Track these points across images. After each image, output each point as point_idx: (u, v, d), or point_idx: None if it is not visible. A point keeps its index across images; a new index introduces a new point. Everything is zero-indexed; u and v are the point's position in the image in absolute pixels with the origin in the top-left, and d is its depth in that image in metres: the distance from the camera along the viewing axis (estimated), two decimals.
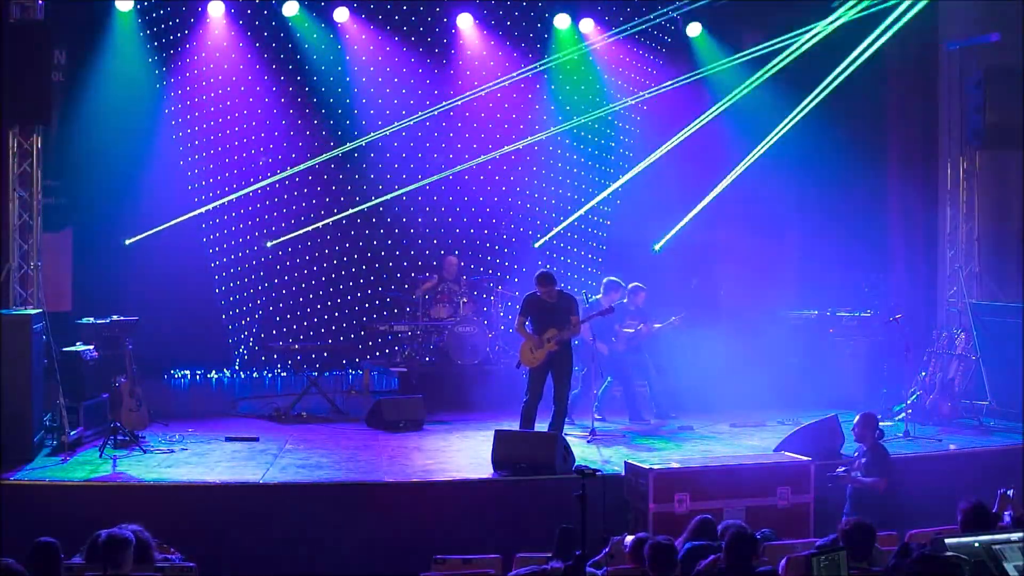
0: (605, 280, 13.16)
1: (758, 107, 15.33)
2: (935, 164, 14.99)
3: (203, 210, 15.01)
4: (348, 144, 15.43)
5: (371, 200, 15.93)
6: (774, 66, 14.37)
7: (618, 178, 16.66)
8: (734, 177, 14.93)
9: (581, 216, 16.46)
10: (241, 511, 9.52)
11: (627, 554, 7.12)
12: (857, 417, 9.90)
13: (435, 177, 15.57)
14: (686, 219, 15.14)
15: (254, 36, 15.35)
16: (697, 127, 14.95)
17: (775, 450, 10.60)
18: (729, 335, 13.52)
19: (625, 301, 13.05)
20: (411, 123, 15.54)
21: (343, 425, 12.62)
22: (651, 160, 15.23)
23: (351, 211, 15.75)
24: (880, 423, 9.90)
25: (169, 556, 7.28)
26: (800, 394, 13.39)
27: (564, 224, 16.08)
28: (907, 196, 15.43)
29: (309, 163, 15.47)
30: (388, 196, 15.64)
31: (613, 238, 16.43)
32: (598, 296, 12.90)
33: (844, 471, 9.60)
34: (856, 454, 9.91)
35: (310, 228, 15.66)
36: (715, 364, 13.24)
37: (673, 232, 15.20)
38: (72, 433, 10.86)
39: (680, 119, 15.95)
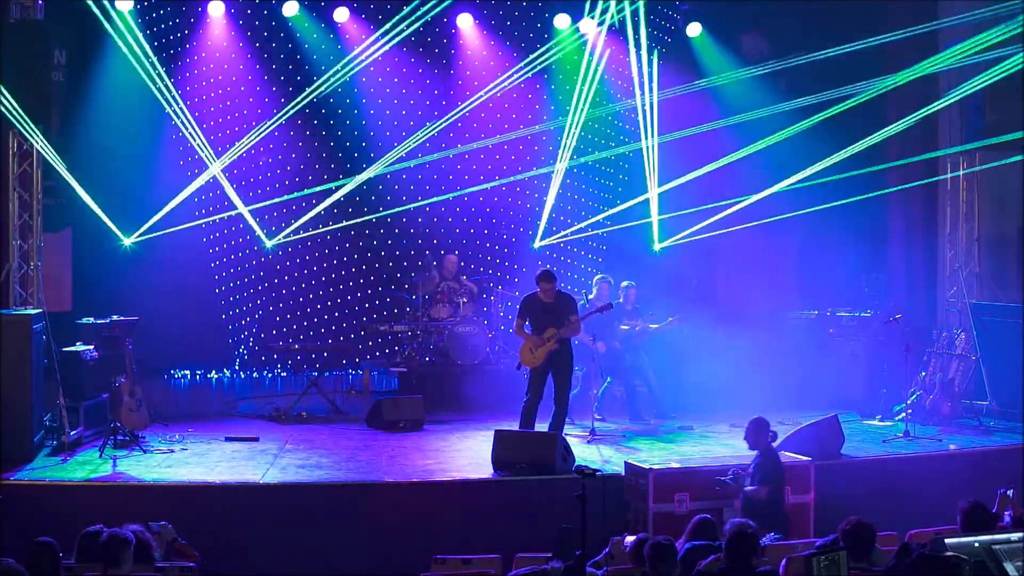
0: (596, 278, 13.28)
1: (758, 106, 15.35)
2: (935, 164, 14.99)
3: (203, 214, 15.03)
4: (347, 141, 15.46)
5: (371, 200, 15.95)
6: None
7: (619, 178, 16.68)
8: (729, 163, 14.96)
9: (581, 216, 16.47)
10: (241, 511, 9.53)
11: (627, 554, 7.12)
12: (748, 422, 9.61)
13: (429, 156, 15.56)
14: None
15: (254, 36, 15.34)
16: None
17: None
18: (729, 335, 13.52)
19: (621, 300, 13.11)
20: (412, 124, 15.56)
21: (343, 425, 12.62)
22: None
23: (351, 210, 15.77)
24: (771, 427, 9.48)
25: (185, 564, 7.24)
26: (800, 394, 13.39)
27: (567, 232, 16.11)
28: (907, 196, 15.43)
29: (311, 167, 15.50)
30: (383, 182, 15.64)
31: (613, 238, 16.43)
32: (593, 295, 12.94)
33: (732, 476, 9.28)
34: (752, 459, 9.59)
35: (311, 228, 15.66)
36: (715, 364, 13.23)
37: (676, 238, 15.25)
38: (72, 433, 10.86)
39: (680, 118, 15.98)
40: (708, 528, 7.25)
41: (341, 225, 15.91)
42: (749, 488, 9.18)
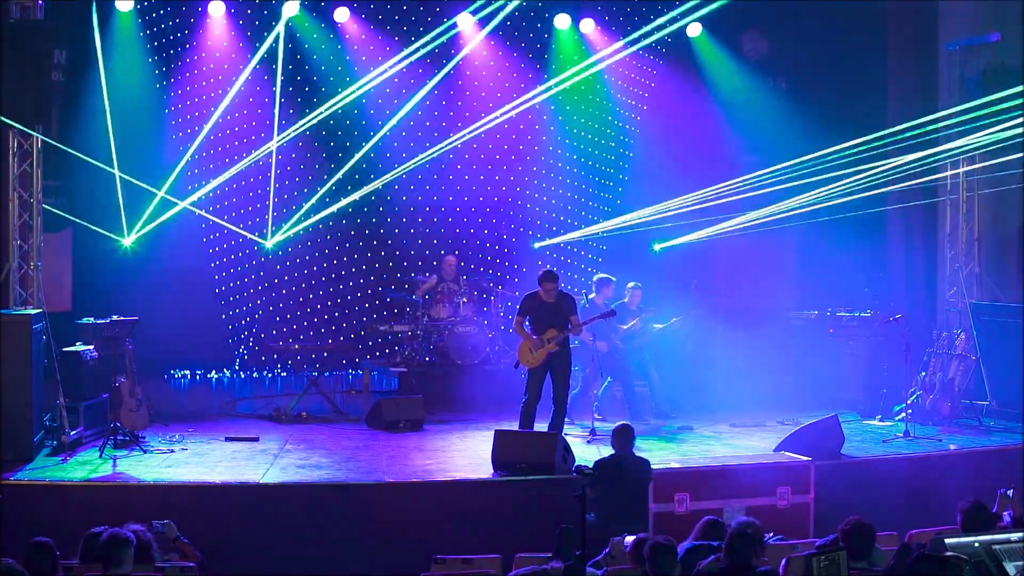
0: (596, 277, 13.23)
1: (758, 108, 15.37)
2: (935, 164, 14.97)
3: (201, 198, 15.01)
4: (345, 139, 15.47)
5: (371, 200, 15.95)
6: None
7: (619, 178, 16.70)
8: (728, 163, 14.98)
9: (581, 217, 16.48)
10: (241, 511, 9.52)
11: (627, 554, 7.12)
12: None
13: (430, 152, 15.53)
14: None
15: (254, 36, 15.34)
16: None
17: (775, 450, 10.60)
18: (729, 335, 13.52)
19: (626, 301, 13.08)
20: (412, 124, 15.57)
21: (343, 425, 12.62)
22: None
23: (350, 202, 15.78)
24: (634, 435, 9.50)
25: (185, 564, 7.23)
26: (800, 394, 13.41)
27: (567, 236, 16.15)
28: (907, 196, 15.42)
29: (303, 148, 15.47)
30: (384, 181, 15.63)
31: (613, 238, 16.43)
32: (593, 295, 12.92)
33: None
34: None
35: (310, 228, 15.66)
36: (715, 364, 13.26)
37: (677, 240, 15.26)
38: (72, 433, 10.85)
39: (680, 119, 16.00)
40: (717, 529, 7.24)
41: (342, 225, 15.91)
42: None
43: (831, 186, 14.09)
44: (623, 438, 9.43)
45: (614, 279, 13.12)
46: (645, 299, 13.35)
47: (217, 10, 15.04)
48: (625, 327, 12.96)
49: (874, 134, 14.17)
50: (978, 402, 13.10)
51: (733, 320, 13.99)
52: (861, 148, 14.30)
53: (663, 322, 13.31)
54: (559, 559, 7.11)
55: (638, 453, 10.99)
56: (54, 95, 12.17)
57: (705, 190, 14.85)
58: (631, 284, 13.23)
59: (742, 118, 15.75)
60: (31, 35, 11.17)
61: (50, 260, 12.49)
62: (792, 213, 14.43)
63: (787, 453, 10.21)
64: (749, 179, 14.79)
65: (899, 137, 14.28)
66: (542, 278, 11.24)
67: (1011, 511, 7.56)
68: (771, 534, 8.26)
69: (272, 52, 15.41)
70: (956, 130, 13.82)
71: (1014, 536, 6.45)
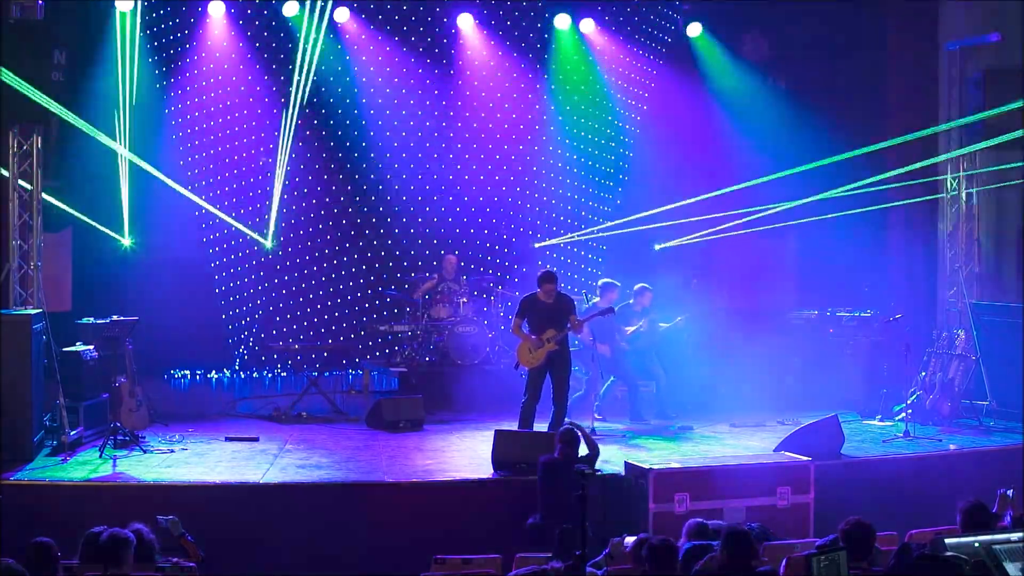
0: (601, 282, 13.20)
1: (758, 108, 15.36)
2: (935, 164, 14.98)
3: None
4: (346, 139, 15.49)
5: (371, 200, 15.96)
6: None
7: (619, 178, 16.70)
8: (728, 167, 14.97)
9: (581, 217, 16.47)
10: (241, 511, 9.53)
11: (627, 554, 7.12)
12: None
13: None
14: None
15: (254, 36, 15.34)
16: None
17: (775, 450, 10.60)
18: (729, 335, 13.52)
19: (631, 302, 13.05)
20: (412, 124, 15.58)
21: (343, 425, 12.62)
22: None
23: (350, 204, 15.78)
24: (580, 439, 9.57)
25: (185, 564, 7.23)
26: (800, 394, 13.40)
27: (567, 236, 16.15)
28: (907, 196, 15.41)
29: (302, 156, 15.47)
30: (388, 191, 15.66)
31: (613, 238, 16.42)
32: (596, 299, 12.90)
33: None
34: None
35: (311, 228, 15.66)
36: (715, 364, 13.25)
37: (677, 240, 15.27)
38: (72, 433, 10.85)
39: (680, 119, 16.00)
40: (705, 532, 7.24)
41: (342, 225, 15.91)
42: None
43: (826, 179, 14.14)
44: (569, 442, 9.48)
45: (618, 284, 13.07)
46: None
47: (217, 10, 15.03)
48: (631, 329, 12.93)
49: (873, 137, 14.21)
50: (978, 402, 13.10)
51: (733, 320, 13.99)
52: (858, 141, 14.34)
53: (668, 321, 13.30)
54: (559, 559, 7.11)
55: (638, 453, 11.05)
56: (54, 95, 12.13)
57: (706, 193, 14.89)
58: (639, 285, 13.19)
59: (742, 118, 15.74)
60: (31, 35, 11.15)
61: (50, 260, 12.48)
62: (792, 205, 14.44)
63: (787, 453, 10.20)
64: (747, 175, 14.81)
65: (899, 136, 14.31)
66: (541, 279, 11.24)
67: (1011, 511, 7.56)
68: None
69: (273, 54, 15.42)
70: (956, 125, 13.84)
71: (1014, 536, 6.46)
